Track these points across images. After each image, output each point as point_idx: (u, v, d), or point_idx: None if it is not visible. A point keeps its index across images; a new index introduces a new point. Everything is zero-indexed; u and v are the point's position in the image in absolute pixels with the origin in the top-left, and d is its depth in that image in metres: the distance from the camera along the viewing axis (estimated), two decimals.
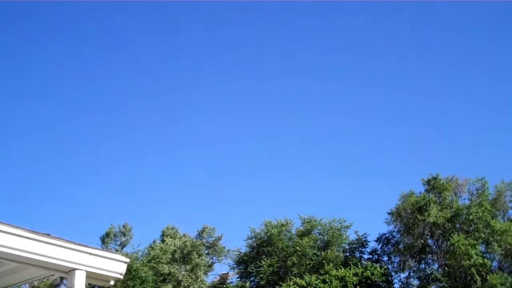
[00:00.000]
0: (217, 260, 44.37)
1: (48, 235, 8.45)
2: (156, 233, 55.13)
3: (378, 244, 37.94)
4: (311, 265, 35.36)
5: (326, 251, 35.69)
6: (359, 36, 70.16)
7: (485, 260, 32.67)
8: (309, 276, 33.66)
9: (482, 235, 33.82)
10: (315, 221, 37.83)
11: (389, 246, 37.54)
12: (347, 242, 37.72)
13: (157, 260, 38.73)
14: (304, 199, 62.27)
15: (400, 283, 37.45)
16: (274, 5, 67.34)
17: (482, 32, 66.42)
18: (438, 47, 67.95)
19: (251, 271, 37.14)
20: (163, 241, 42.63)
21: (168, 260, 39.25)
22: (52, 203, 67.51)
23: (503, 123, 63.17)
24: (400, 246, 36.49)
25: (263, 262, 35.76)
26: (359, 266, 34.16)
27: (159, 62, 72.59)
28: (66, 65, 72.04)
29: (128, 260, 9.23)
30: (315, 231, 37.67)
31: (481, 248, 34.15)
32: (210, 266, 43.14)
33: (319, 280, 33.02)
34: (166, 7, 69.50)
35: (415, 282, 37.15)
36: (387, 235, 37.54)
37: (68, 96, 72.42)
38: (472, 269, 32.16)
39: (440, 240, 35.63)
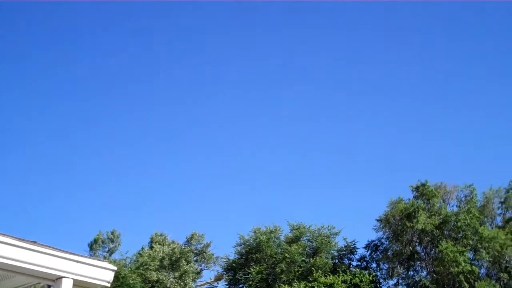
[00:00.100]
0: (206, 267, 44.26)
1: (34, 242, 8.38)
2: (144, 239, 54.82)
3: (367, 251, 38.03)
4: (299, 272, 35.31)
5: (314, 258, 35.66)
6: (346, 43, 70.37)
7: (473, 267, 32.77)
8: (298, 283, 33.62)
9: (470, 242, 33.93)
10: (304, 228, 37.81)
11: (378, 253, 37.58)
12: (335, 249, 37.73)
13: (145, 267, 38.57)
14: (293, 205, 62.26)
15: None
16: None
17: (472, 36, 66.82)
18: (428, 53, 68.26)
19: (239, 278, 37.05)
20: (151, 247, 42.49)
21: (157, 267, 39.09)
22: (39, 209, 67.07)
23: (492, 130, 63.58)
24: (388, 253, 36.53)
25: (252, 269, 35.69)
26: (348, 273, 34.16)
27: (152, 66, 72.46)
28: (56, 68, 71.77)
29: (115, 268, 9.17)
30: (304, 238, 37.65)
31: (469, 255, 34.25)
32: (199, 273, 43.01)
33: (308, 287, 33.00)
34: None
35: None
36: (376, 242, 37.59)
37: (56, 104, 72.14)
38: (460, 276, 32.24)
39: (429, 247, 35.71)
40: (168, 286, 38.43)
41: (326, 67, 68.40)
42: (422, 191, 36.21)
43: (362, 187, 65.17)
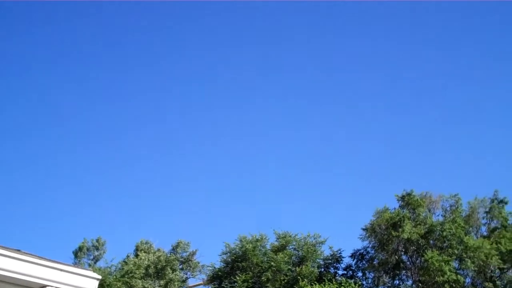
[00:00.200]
0: (191, 275, 44.08)
1: (18, 251, 8.31)
2: (130, 247, 54.55)
3: (353, 260, 37.95)
4: (285, 280, 35.23)
5: (300, 266, 35.60)
6: (330, 52, 70.63)
7: (459, 276, 32.84)
8: None
9: (456, 251, 34.03)
10: (290, 236, 37.75)
11: (364, 262, 37.56)
12: (321, 257, 37.66)
13: (130, 275, 38.34)
14: (279, 214, 62.27)
15: None
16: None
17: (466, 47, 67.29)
18: (414, 62, 68.71)
19: (225, 286, 36.87)
20: (136, 255, 42.28)
21: (142, 275, 38.88)
22: (23, 216, 66.61)
23: (477, 140, 63.98)
24: (374, 262, 36.53)
25: (238, 278, 35.53)
26: (334, 282, 34.09)
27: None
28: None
29: (100, 276, 9.11)
30: (290, 247, 37.58)
31: (455, 264, 34.33)
32: (184, 281, 42.81)
33: None
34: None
35: None
36: (362, 251, 37.57)
37: (41, 106, 71.71)
38: (445, 285, 32.30)
39: (414, 256, 35.77)
40: None
41: (307, 77, 68.62)
42: (407, 201, 36.29)
43: (348, 196, 65.40)
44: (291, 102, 69.11)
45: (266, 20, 70.02)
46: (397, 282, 36.77)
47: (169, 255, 42.56)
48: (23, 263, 8.27)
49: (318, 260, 37.37)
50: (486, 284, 34.20)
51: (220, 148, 71.05)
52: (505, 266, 34.62)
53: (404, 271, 36.31)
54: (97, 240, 50.15)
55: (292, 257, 36.77)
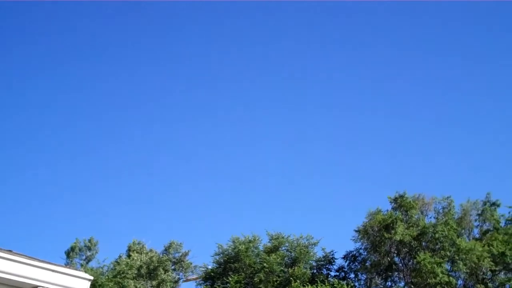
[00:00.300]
0: (184, 276, 43.98)
1: (10, 251, 8.27)
2: (122, 247, 54.53)
3: (345, 262, 38.00)
4: (278, 281, 35.22)
5: (293, 268, 35.60)
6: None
7: (451, 278, 32.91)
8: None
9: (448, 253, 34.09)
10: (283, 237, 37.74)
11: (356, 264, 37.60)
12: (314, 259, 37.68)
13: (122, 275, 38.24)
14: (272, 215, 62.26)
15: None
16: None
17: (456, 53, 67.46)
18: (408, 65, 68.84)
19: (218, 287, 36.84)
20: (129, 256, 42.17)
21: (134, 275, 38.78)
22: (15, 216, 66.35)
23: (470, 143, 64.14)
24: (367, 264, 36.56)
25: (230, 279, 35.50)
26: (326, 283, 34.10)
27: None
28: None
29: (91, 277, 9.08)
30: (283, 248, 37.57)
31: (447, 266, 34.38)
32: (176, 282, 42.73)
33: None
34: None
35: None
36: (354, 252, 37.61)
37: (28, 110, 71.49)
38: (437, 287, 32.38)
39: (407, 258, 35.81)
40: None
41: (301, 79, 68.62)
42: (400, 203, 36.34)
43: (340, 198, 65.45)
44: (287, 103, 69.03)
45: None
46: (390, 283, 36.82)
47: (161, 255, 42.47)
48: (14, 263, 8.23)
49: (310, 261, 37.39)
50: (478, 286, 34.26)
51: (213, 149, 70.99)
52: (496, 268, 34.69)
53: (396, 273, 36.35)
54: (90, 240, 50.01)
55: (285, 258, 36.77)
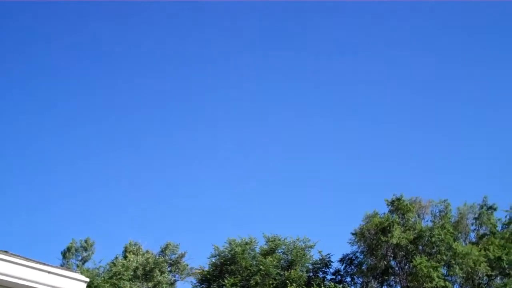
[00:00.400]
0: (180, 278, 43.93)
1: (6, 252, 8.23)
2: (118, 248, 54.34)
3: (342, 265, 37.96)
4: (274, 284, 35.16)
5: (289, 270, 35.55)
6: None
7: (447, 282, 32.88)
8: None
9: (444, 257, 34.08)
10: (279, 240, 37.69)
11: (352, 267, 37.56)
12: (310, 262, 37.63)
13: (118, 276, 38.16)
14: (269, 217, 62.22)
15: None
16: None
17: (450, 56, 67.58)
18: (405, 65, 68.88)
19: None
20: (125, 257, 42.11)
21: (130, 277, 38.70)
22: (11, 216, 66.23)
23: (467, 146, 64.18)
24: (363, 267, 36.52)
25: (226, 281, 35.44)
26: (322, 287, 34.09)
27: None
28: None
29: (87, 279, 9.05)
30: (279, 250, 37.52)
31: (443, 270, 34.37)
32: (173, 283, 42.68)
33: None
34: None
35: None
36: (351, 255, 37.56)
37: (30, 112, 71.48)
38: None
39: (403, 262, 35.80)
40: None
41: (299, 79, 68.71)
42: (397, 206, 36.32)
43: (337, 200, 65.40)
44: (286, 105, 69.04)
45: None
46: (386, 287, 36.81)
47: (157, 257, 42.40)
48: (10, 264, 8.18)
49: (307, 264, 37.36)
50: None
51: (210, 151, 70.97)
52: (493, 273, 34.69)
53: (392, 277, 36.33)
54: (86, 241, 49.94)
55: (281, 261, 36.71)
